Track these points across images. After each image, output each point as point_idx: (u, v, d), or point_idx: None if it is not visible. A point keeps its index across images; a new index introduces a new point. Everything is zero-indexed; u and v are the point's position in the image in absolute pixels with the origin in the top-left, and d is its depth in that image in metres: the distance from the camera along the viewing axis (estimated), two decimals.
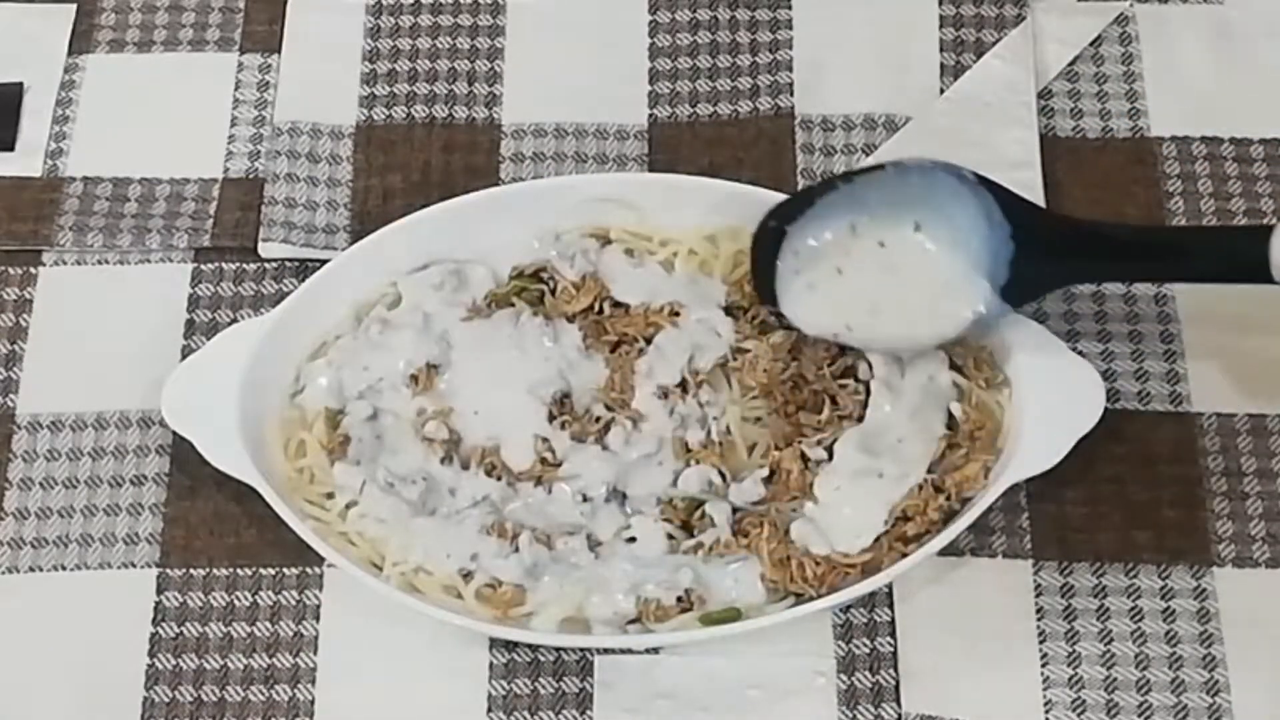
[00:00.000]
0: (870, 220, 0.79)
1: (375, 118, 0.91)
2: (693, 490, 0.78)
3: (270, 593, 0.79)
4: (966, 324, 0.77)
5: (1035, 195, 0.87)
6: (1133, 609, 0.77)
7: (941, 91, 0.91)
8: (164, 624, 0.78)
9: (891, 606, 0.78)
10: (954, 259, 0.78)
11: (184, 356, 0.84)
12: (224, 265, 0.87)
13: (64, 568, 0.79)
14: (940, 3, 0.94)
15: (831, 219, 0.79)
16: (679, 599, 0.75)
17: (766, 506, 0.77)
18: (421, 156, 0.90)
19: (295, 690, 0.77)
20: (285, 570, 0.79)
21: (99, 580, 0.79)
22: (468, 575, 0.76)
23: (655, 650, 0.77)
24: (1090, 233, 0.78)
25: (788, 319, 0.80)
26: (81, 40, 0.94)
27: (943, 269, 0.78)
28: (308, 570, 0.79)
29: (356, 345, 0.81)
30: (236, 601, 0.79)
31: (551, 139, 0.90)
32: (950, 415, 0.79)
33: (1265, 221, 0.86)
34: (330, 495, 0.79)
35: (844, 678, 0.76)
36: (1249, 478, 0.80)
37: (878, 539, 0.76)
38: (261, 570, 0.79)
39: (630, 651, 0.76)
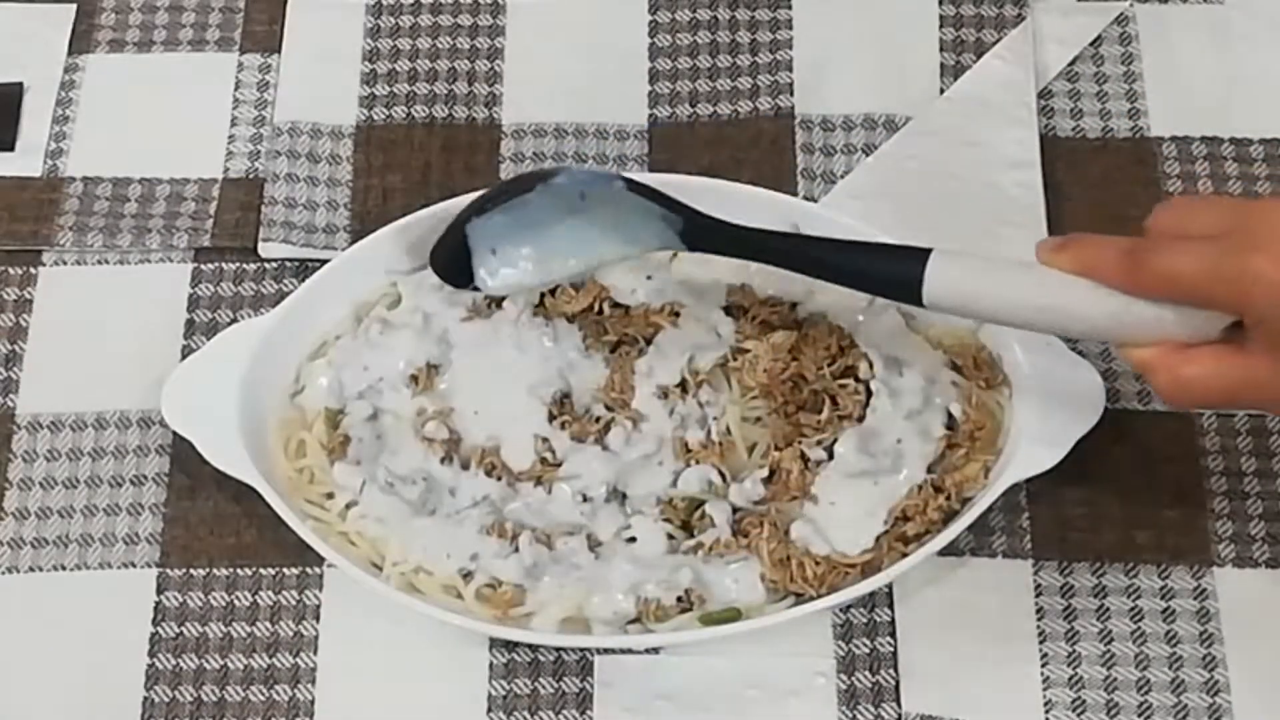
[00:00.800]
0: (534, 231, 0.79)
1: (375, 118, 0.91)
2: (693, 490, 0.77)
3: (270, 593, 0.79)
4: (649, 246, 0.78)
5: (1035, 195, 0.87)
6: (1133, 609, 0.77)
7: (941, 91, 0.91)
8: (164, 624, 0.78)
9: (891, 606, 0.78)
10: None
11: (184, 356, 0.84)
12: (224, 265, 0.87)
13: (64, 568, 0.79)
14: (940, 3, 0.94)
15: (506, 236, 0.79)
16: (679, 599, 0.75)
17: (766, 506, 0.77)
18: (421, 156, 0.90)
19: (295, 690, 0.77)
20: (285, 570, 0.79)
21: (99, 580, 0.79)
22: (468, 575, 0.76)
23: (655, 650, 0.77)
24: (751, 238, 0.77)
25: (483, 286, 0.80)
26: (81, 40, 0.94)
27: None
28: (308, 570, 0.79)
29: (356, 345, 0.81)
30: (236, 601, 0.79)
31: (551, 139, 0.90)
32: (950, 415, 0.79)
33: None
34: (330, 495, 0.79)
35: (844, 678, 0.76)
36: (1249, 478, 0.80)
37: (878, 539, 0.76)
38: (261, 570, 0.79)
39: (630, 651, 0.76)
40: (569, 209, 0.77)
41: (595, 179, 0.78)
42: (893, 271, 0.72)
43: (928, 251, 0.71)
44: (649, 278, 0.82)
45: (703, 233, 0.77)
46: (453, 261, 0.80)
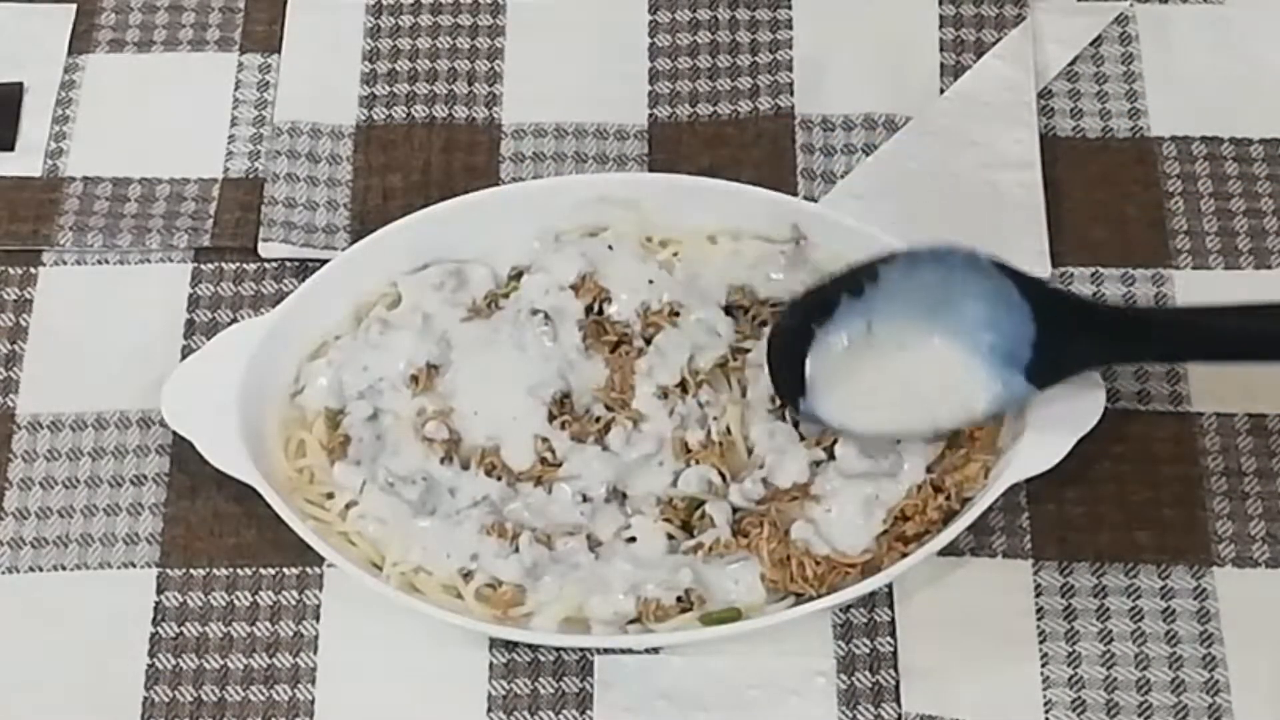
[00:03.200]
0: (886, 320, 0.77)
1: (375, 118, 0.91)
2: (693, 490, 0.77)
3: (270, 593, 0.79)
4: (984, 412, 0.76)
5: (1035, 195, 0.87)
6: (1133, 609, 0.77)
7: (941, 91, 0.91)
8: (164, 624, 0.78)
9: (891, 606, 0.78)
10: (973, 348, 0.76)
11: (184, 356, 0.84)
12: (224, 265, 0.87)
13: (64, 568, 0.79)
14: (940, 3, 0.94)
15: (849, 319, 0.77)
16: (679, 599, 0.75)
17: (766, 506, 0.77)
18: (421, 156, 0.90)
19: (295, 690, 0.77)
20: (285, 570, 0.79)
21: (99, 580, 0.79)
22: (468, 575, 0.76)
23: (655, 650, 0.77)
24: (1119, 315, 0.76)
25: (811, 416, 0.77)
26: (81, 40, 0.94)
27: (960, 362, 0.76)
28: (308, 570, 0.79)
29: (356, 345, 0.81)
30: (236, 601, 0.79)
31: (551, 139, 0.90)
32: None
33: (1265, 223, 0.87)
34: (330, 495, 0.79)
35: (844, 678, 0.76)
36: (1249, 478, 0.80)
37: (878, 539, 0.76)
38: (261, 570, 0.79)
39: (630, 651, 0.76)
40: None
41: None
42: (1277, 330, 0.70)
43: None
44: (650, 281, 0.82)
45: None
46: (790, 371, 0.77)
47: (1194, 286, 0.85)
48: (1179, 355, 0.77)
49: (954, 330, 0.77)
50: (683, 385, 0.80)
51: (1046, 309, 0.75)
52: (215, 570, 0.79)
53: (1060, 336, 0.75)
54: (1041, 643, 0.77)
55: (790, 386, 0.78)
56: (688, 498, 0.77)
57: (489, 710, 0.76)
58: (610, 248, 0.83)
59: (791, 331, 0.78)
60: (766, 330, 0.81)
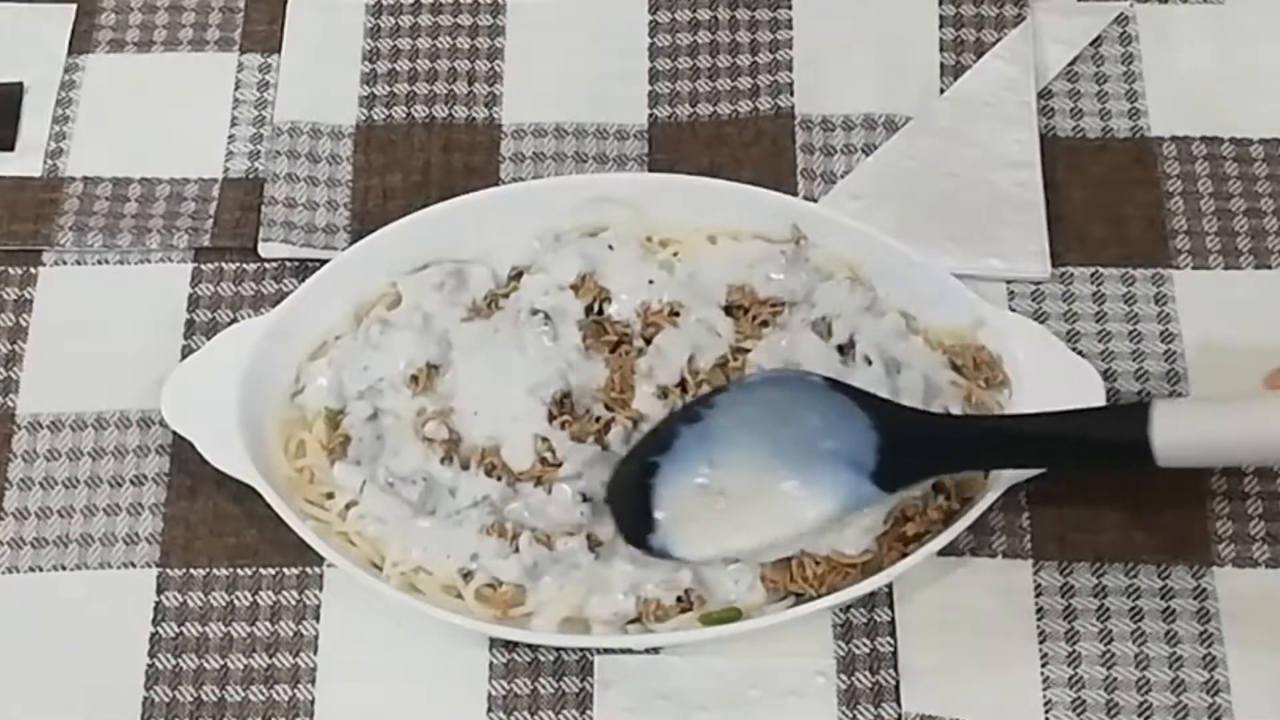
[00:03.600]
0: (728, 449, 0.75)
1: (375, 118, 0.91)
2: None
3: (270, 593, 0.79)
4: (835, 516, 0.75)
5: (1035, 195, 0.87)
6: (1133, 609, 0.77)
7: (941, 91, 0.91)
8: (164, 624, 0.78)
9: (891, 606, 0.78)
10: (818, 459, 0.75)
11: (184, 356, 0.83)
12: (224, 265, 0.87)
13: (64, 568, 0.79)
14: (940, 3, 0.94)
15: (690, 450, 0.76)
16: (679, 599, 0.75)
17: None
18: (421, 156, 0.90)
19: (295, 690, 0.77)
20: (285, 570, 0.79)
21: (99, 580, 0.79)
22: (468, 575, 0.76)
23: (655, 650, 0.77)
24: (948, 428, 0.76)
25: (663, 553, 0.75)
26: (81, 40, 0.94)
27: (808, 478, 0.75)
28: (308, 570, 0.79)
29: (356, 345, 0.81)
30: (236, 601, 0.79)
31: (551, 139, 0.90)
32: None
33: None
34: (330, 495, 0.79)
35: (844, 678, 0.76)
36: (1249, 478, 0.80)
37: (878, 539, 0.76)
38: (261, 570, 0.79)
39: (630, 651, 0.76)
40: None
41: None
42: (1116, 434, 0.70)
43: (1147, 406, 0.69)
44: (650, 281, 0.82)
45: (903, 435, 0.74)
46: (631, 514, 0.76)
47: (1194, 286, 0.85)
48: (1017, 463, 0.75)
49: (797, 447, 0.75)
50: (682, 385, 0.80)
51: (886, 422, 0.74)
52: (215, 570, 0.79)
53: (902, 448, 0.74)
54: (1041, 643, 0.77)
55: (637, 526, 0.75)
56: None
57: (489, 710, 0.76)
58: (611, 247, 0.83)
59: (633, 472, 0.76)
60: (767, 330, 0.81)
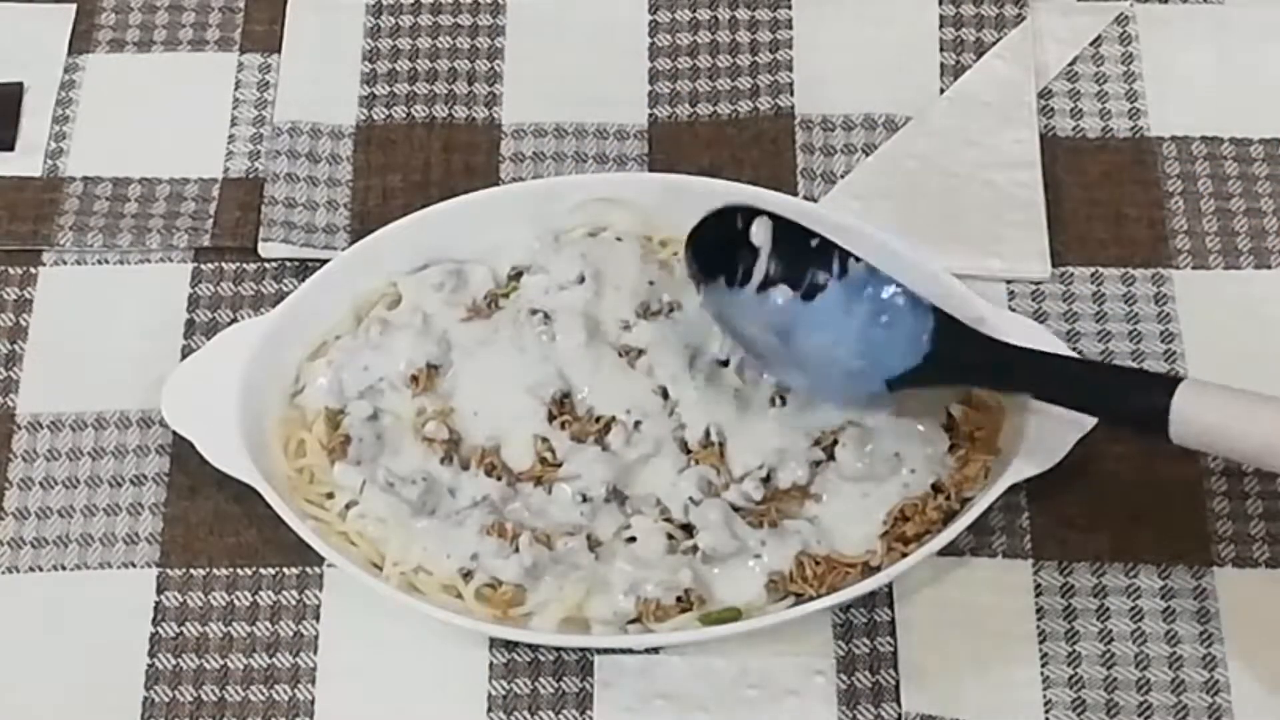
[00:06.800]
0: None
1: (375, 118, 0.91)
2: (692, 490, 0.77)
3: (270, 593, 0.79)
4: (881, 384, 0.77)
5: (1035, 195, 0.87)
6: (1133, 609, 0.77)
7: (941, 91, 0.91)
8: (164, 624, 0.78)
9: (891, 606, 0.78)
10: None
11: (184, 356, 0.84)
12: (224, 265, 0.87)
13: (64, 568, 0.79)
14: (940, 3, 0.94)
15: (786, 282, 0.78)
16: (679, 599, 0.75)
17: (766, 506, 0.77)
18: (421, 156, 0.90)
19: (295, 690, 0.77)
20: (285, 570, 0.79)
21: (99, 580, 0.79)
22: (468, 575, 0.76)
23: (655, 650, 0.77)
24: (1002, 351, 0.76)
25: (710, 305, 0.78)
26: (81, 40, 0.94)
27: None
28: (308, 570, 0.79)
29: (356, 345, 0.81)
30: (236, 601, 0.79)
31: (551, 139, 0.90)
32: (950, 415, 0.79)
33: (1267, 231, 0.87)
34: (330, 495, 0.79)
35: (844, 677, 0.76)
36: (1249, 478, 0.80)
37: (878, 539, 0.76)
38: (261, 570, 0.79)
39: (630, 651, 0.76)
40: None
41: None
42: (1137, 400, 0.71)
43: (1177, 380, 0.70)
44: (651, 282, 0.82)
45: (953, 343, 0.76)
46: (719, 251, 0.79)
47: (1194, 286, 0.85)
48: (1045, 393, 0.76)
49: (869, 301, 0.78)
50: (683, 385, 0.80)
51: (947, 334, 0.76)
52: (215, 570, 0.79)
53: (948, 356, 0.76)
54: (1041, 643, 0.77)
55: (713, 268, 0.78)
56: (688, 498, 0.77)
57: (489, 710, 0.76)
58: (619, 239, 0.82)
59: (730, 240, 0.79)
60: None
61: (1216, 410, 0.69)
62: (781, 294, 0.79)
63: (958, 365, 0.76)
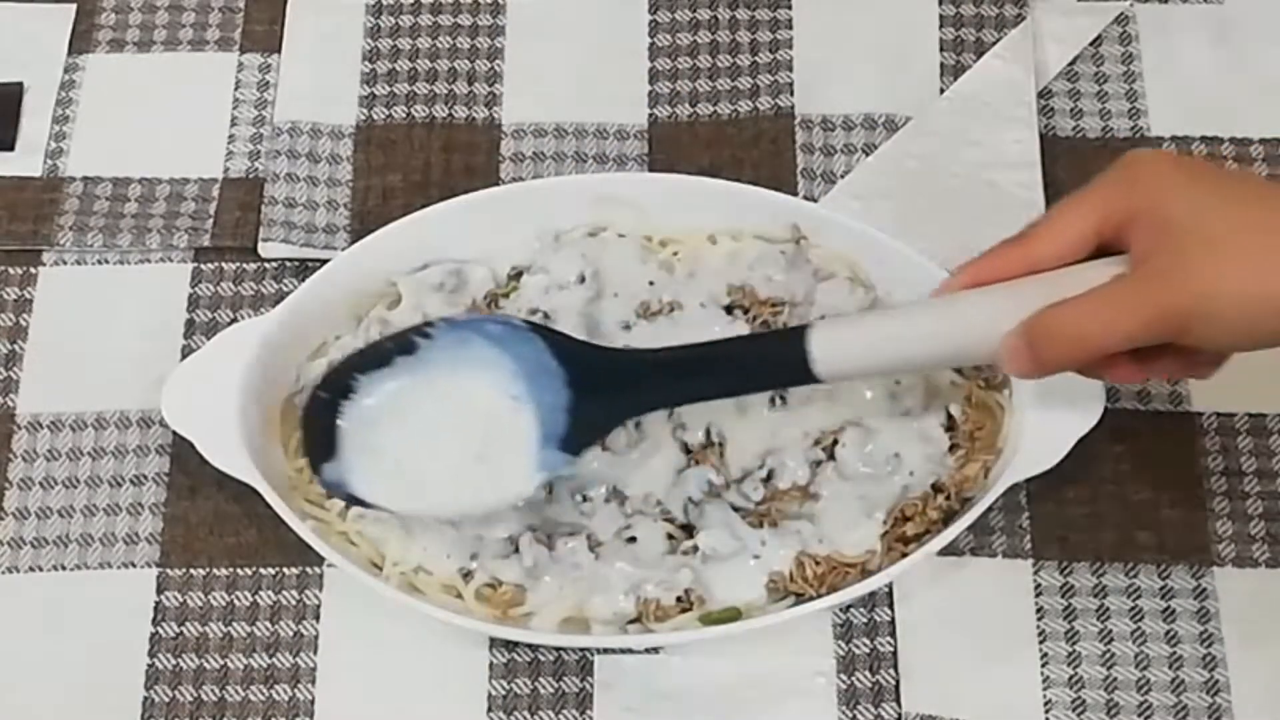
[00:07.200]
0: (426, 394, 0.75)
1: (375, 118, 0.91)
2: (692, 490, 0.77)
3: (270, 593, 0.79)
4: (532, 490, 0.75)
5: (1035, 195, 0.87)
6: (1133, 609, 0.77)
7: (941, 91, 0.91)
8: (164, 624, 0.78)
9: (891, 606, 0.78)
10: (508, 416, 0.74)
11: (184, 356, 0.84)
12: (224, 265, 0.87)
13: (64, 568, 0.79)
14: (940, 3, 0.94)
15: (383, 386, 0.75)
16: (679, 599, 0.75)
17: (766, 506, 0.77)
18: (421, 156, 0.90)
19: (295, 690, 0.77)
20: (285, 570, 0.79)
21: (99, 580, 0.79)
22: (468, 575, 0.76)
23: (655, 650, 0.77)
24: (638, 365, 0.75)
25: (336, 485, 0.75)
26: (81, 40, 0.94)
27: (497, 431, 0.74)
28: (308, 570, 0.79)
29: (356, 345, 0.81)
30: (236, 601, 0.79)
31: (551, 139, 0.90)
32: (950, 415, 0.79)
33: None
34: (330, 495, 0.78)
35: (844, 678, 0.76)
36: (1249, 478, 0.80)
37: (878, 539, 0.76)
38: (261, 570, 0.79)
39: (630, 651, 0.76)
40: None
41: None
42: (778, 356, 0.71)
43: (806, 327, 0.70)
44: (651, 282, 0.82)
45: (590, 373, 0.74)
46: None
47: None
48: (694, 393, 0.75)
49: (493, 398, 0.75)
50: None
51: (581, 370, 0.74)
52: (215, 570, 0.79)
53: (595, 397, 0.74)
54: (1041, 643, 0.77)
55: (316, 453, 0.75)
56: (688, 499, 0.77)
57: (489, 710, 0.76)
58: (622, 235, 0.82)
59: (324, 398, 0.75)
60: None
61: (850, 341, 0.70)
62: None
63: (602, 403, 0.74)
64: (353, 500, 0.75)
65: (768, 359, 0.72)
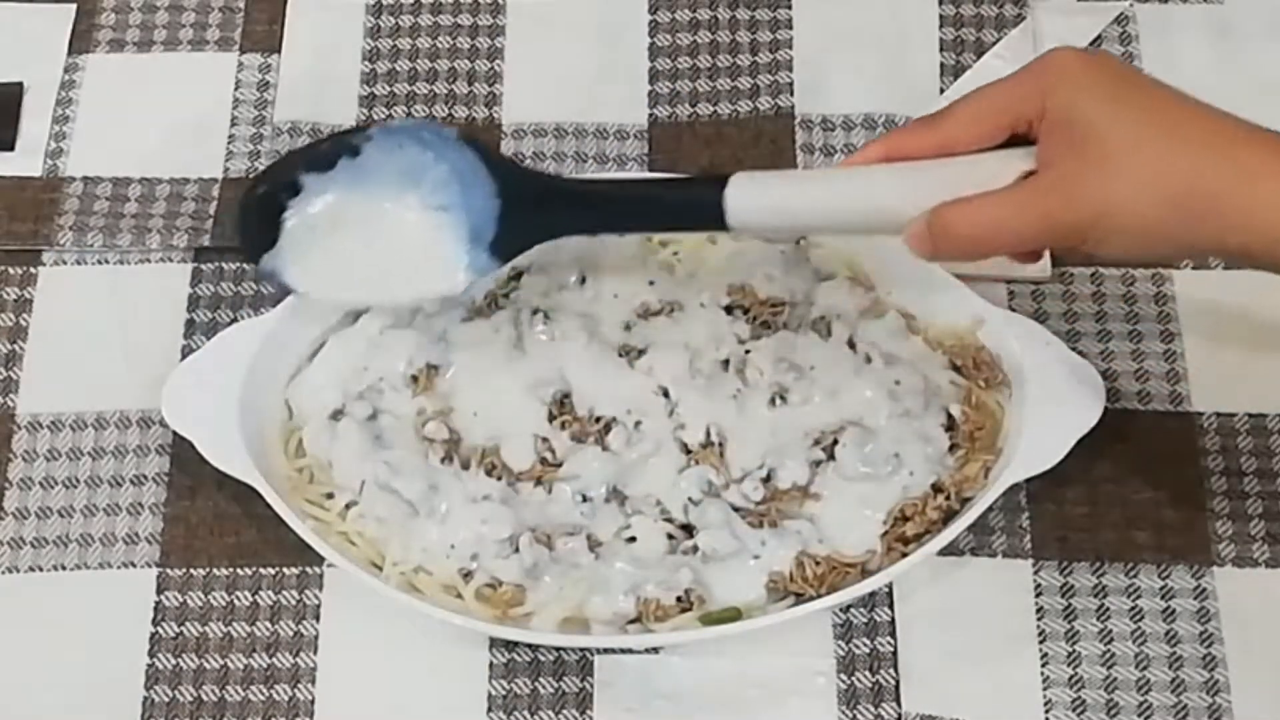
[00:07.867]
0: (363, 194, 0.79)
1: (375, 118, 0.91)
2: (692, 490, 0.77)
3: (270, 593, 0.79)
4: (462, 283, 0.78)
5: None
6: (1133, 609, 0.77)
7: (941, 91, 0.91)
8: (164, 624, 0.78)
9: (891, 606, 0.78)
10: (444, 224, 0.79)
11: (184, 356, 0.83)
12: (224, 265, 0.87)
13: (64, 568, 0.79)
14: (940, 3, 0.94)
15: (324, 190, 0.79)
16: (679, 599, 0.75)
17: (766, 506, 0.77)
18: None
19: (295, 690, 0.77)
20: (285, 570, 0.79)
21: (99, 580, 0.79)
22: (468, 575, 0.76)
23: (655, 650, 0.77)
24: (565, 189, 0.80)
25: (271, 274, 0.79)
26: (81, 40, 0.94)
27: (432, 237, 0.79)
28: (308, 570, 0.79)
29: (356, 345, 0.81)
30: (236, 601, 0.79)
31: (551, 139, 0.90)
32: (950, 415, 0.79)
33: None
34: (330, 495, 0.78)
35: (844, 678, 0.76)
36: (1249, 478, 0.80)
37: (878, 539, 0.76)
38: (261, 570, 0.79)
39: (630, 651, 0.76)
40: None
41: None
42: (695, 198, 0.74)
43: (727, 175, 0.73)
44: (651, 282, 0.82)
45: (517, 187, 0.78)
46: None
47: (1194, 286, 0.85)
48: (616, 222, 0.79)
49: (426, 206, 0.79)
50: (683, 385, 0.80)
51: (510, 185, 0.77)
52: (215, 570, 0.79)
53: (519, 209, 0.77)
54: (1041, 643, 0.77)
55: (256, 244, 0.79)
56: (688, 499, 0.77)
57: (489, 710, 0.76)
58: (619, 239, 0.83)
59: (266, 194, 0.79)
60: (767, 330, 0.81)
61: (763, 194, 0.73)
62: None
63: (529, 218, 0.77)
64: (287, 289, 0.79)
65: (687, 200, 0.75)
